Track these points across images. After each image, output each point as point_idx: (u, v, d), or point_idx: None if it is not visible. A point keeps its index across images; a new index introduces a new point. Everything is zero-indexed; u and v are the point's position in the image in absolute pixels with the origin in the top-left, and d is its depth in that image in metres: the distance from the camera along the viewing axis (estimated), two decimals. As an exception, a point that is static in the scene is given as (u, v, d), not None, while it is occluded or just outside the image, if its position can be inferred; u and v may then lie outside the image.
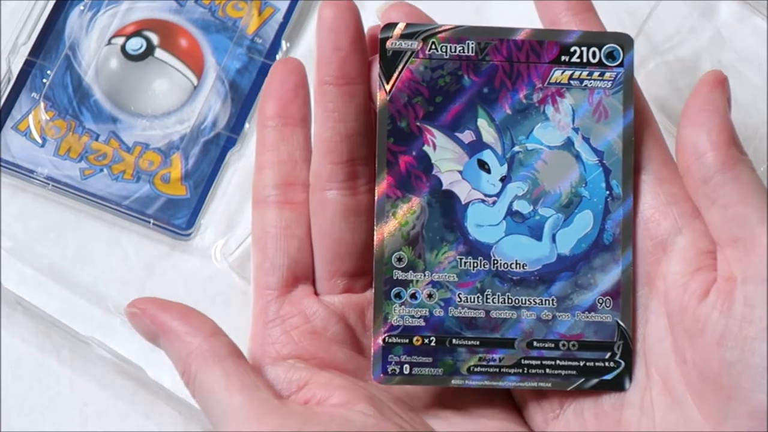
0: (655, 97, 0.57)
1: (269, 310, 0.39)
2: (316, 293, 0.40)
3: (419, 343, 0.38)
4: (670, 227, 0.38)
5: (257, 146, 0.40)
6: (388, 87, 0.39)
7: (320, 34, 0.38)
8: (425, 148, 0.39)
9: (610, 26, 0.59)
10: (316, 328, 0.39)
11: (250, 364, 0.38)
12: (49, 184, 0.57)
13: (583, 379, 0.39)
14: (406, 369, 0.38)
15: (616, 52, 0.39)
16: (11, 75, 0.59)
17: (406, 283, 0.38)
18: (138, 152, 0.58)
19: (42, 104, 0.58)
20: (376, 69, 0.39)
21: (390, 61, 0.39)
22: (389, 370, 0.38)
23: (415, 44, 0.39)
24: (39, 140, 0.58)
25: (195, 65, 0.59)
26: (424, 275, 0.38)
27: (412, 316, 0.38)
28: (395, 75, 0.39)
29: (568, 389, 0.38)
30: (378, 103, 0.39)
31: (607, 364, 0.39)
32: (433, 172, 0.39)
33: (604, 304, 0.39)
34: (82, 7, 0.60)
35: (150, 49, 0.59)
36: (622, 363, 0.38)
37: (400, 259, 0.38)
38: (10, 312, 0.56)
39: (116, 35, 0.59)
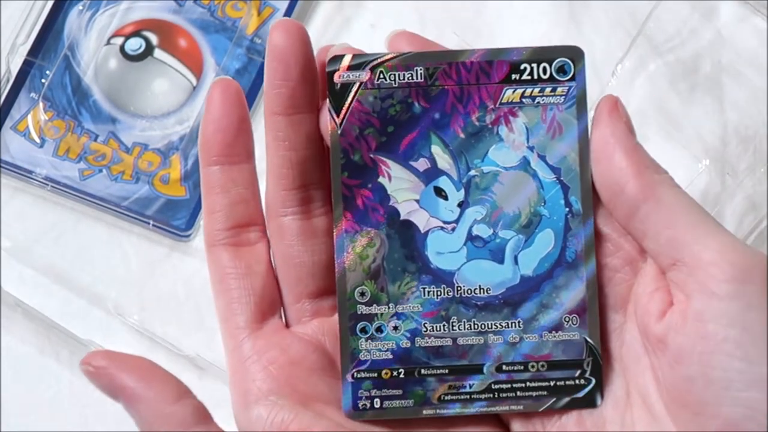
0: (655, 97, 0.57)
1: (244, 349, 0.39)
2: (287, 325, 0.40)
3: (388, 376, 0.38)
4: (639, 248, 0.38)
5: (204, 184, 0.40)
6: (338, 120, 0.38)
7: (269, 64, 0.38)
8: (380, 179, 0.39)
9: (610, 26, 0.59)
10: (294, 359, 0.39)
11: (218, 427, 0.37)
12: (48, 184, 0.57)
13: (554, 399, 0.39)
14: (377, 403, 0.38)
15: (567, 66, 0.39)
16: (10, 75, 0.59)
17: (370, 317, 0.38)
18: (137, 153, 0.57)
19: (41, 104, 0.58)
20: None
21: (339, 95, 0.38)
22: (360, 405, 0.38)
23: (364, 75, 0.38)
24: (38, 140, 0.58)
25: (194, 65, 0.59)
26: (388, 308, 0.38)
27: (379, 350, 0.38)
28: (345, 108, 0.38)
29: (540, 410, 0.39)
30: (330, 138, 0.38)
31: (577, 381, 0.39)
32: (390, 203, 0.39)
33: (570, 322, 0.39)
34: (81, 7, 0.60)
35: (149, 50, 0.59)
36: (593, 380, 0.38)
37: (362, 294, 0.38)
38: (9, 313, 0.56)
39: (115, 35, 0.59)
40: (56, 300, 0.56)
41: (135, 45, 0.59)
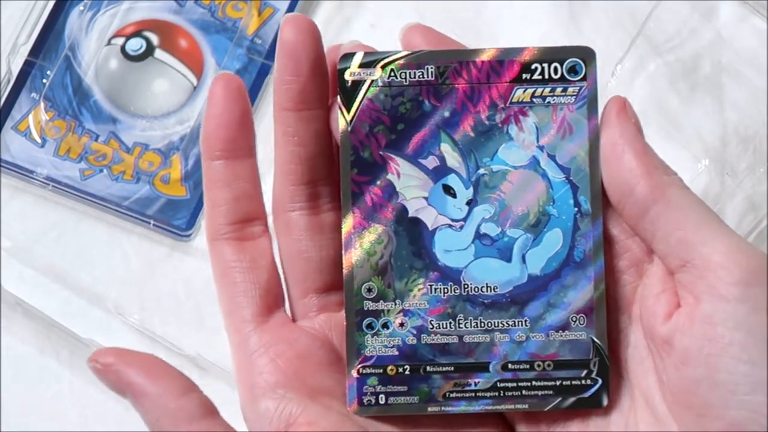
0: (655, 97, 0.57)
1: (250, 342, 0.38)
2: (293, 319, 0.40)
3: (393, 372, 0.39)
4: (645, 250, 0.38)
5: (206, 179, 0.40)
6: (348, 117, 0.38)
7: (280, 59, 0.38)
8: (390, 176, 0.39)
9: (610, 26, 0.59)
10: (301, 353, 0.39)
11: (224, 421, 0.38)
12: (49, 184, 0.57)
13: (560, 399, 0.39)
14: (382, 399, 0.39)
15: (578, 66, 0.39)
16: (11, 75, 0.59)
17: (377, 314, 0.39)
18: (138, 153, 0.58)
19: (42, 104, 0.58)
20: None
21: (350, 92, 0.38)
22: (365, 400, 0.39)
23: (375, 73, 0.38)
24: (39, 140, 0.58)
25: (195, 66, 0.59)
26: (395, 304, 0.39)
27: (385, 346, 0.39)
28: (356, 105, 0.38)
29: (546, 409, 0.39)
30: (340, 135, 0.39)
31: (583, 381, 0.39)
32: (399, 201, 0.39)
33: (577, 321, 0.39)
34: (82, 8, 0.60)
35: (150, 50, 0.59)
36: (599, 380, 0.38)
37: (370, 290, 0.39)
38: (9, 313, 0.56)
39: (116, 35, 0.59)
40: (56, 300, 0.56)
41: (136, 45, 0.59)
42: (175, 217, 0.57)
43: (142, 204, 0.57)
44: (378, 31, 0.59)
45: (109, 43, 0.59)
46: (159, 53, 0.59)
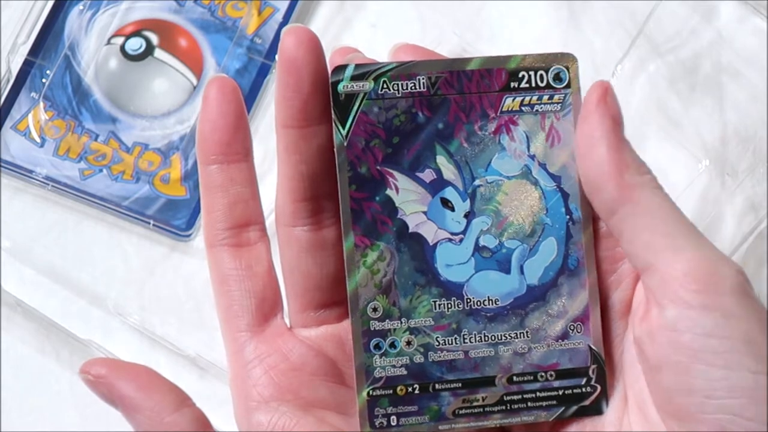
0: (655, 98, 0.57)
1: (245, 352, 0.38)
2: (290, 327, 0.40)
3: (403, 392, 0.38)
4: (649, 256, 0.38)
5: (203, 184, 0.39)
6: (344, 132, 0.38)
7: (281, 74, 0.37)
8: (388, 192, 0.38)
9: (610, 26, 0.59)
10: (295, 365, 0.39)
11: None
12: (48, 184, 0.57)
13: (563, 408, 0.39)
14: (393, 420, 0.38)
15: (563, 73, 0.39)
16: (11, 75, 0.59)
17: (383, 333, 0.38)
18: (137, 152, 0.58)
19: (41, 104, 0.58)
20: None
21: (344, 105, 0.38)
22: (377, 423, 0.38)
23: (367, 85, 0.38)
24: (38, 140, 0.58)
25: (194, 65, 0.59)
26: (401, 322, 0.38)
27: (394, 366, 0.38)
28: (350, 119, 0.38)
29: (550, 419, 0.39)
30: (336, 150, 0.38)
31: (584, 389, 0.39)
32: (399, 216, 0.38)
33: (575, 329, 0.39)
34: (81, 7, 0.60)
35: (149, 49, 0.59)
36: (598, 387, 0.39)
37: (375, 309, 0.38)
38: (9, 313, 0.56)
39: (116, 35, 0.59)
40: (56, 300, 0.56)
41: (135, 45, 0.59)
42: (175, 217, 0.57)
43: (142, 204, 0.57)
44: (378, 31, 0.59)
45: (108, 42, 0.59)
46: (159, 53, 0.59)
